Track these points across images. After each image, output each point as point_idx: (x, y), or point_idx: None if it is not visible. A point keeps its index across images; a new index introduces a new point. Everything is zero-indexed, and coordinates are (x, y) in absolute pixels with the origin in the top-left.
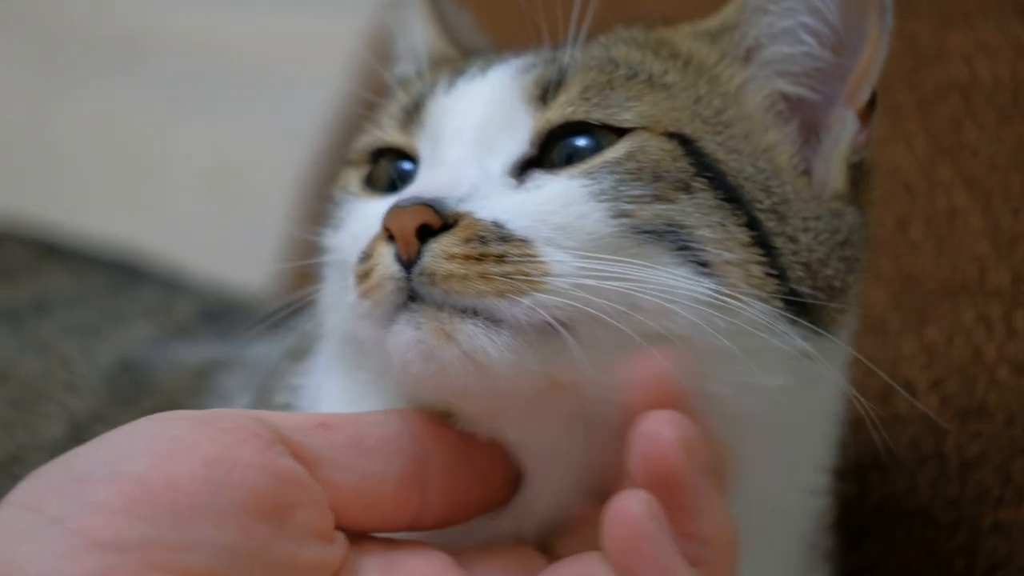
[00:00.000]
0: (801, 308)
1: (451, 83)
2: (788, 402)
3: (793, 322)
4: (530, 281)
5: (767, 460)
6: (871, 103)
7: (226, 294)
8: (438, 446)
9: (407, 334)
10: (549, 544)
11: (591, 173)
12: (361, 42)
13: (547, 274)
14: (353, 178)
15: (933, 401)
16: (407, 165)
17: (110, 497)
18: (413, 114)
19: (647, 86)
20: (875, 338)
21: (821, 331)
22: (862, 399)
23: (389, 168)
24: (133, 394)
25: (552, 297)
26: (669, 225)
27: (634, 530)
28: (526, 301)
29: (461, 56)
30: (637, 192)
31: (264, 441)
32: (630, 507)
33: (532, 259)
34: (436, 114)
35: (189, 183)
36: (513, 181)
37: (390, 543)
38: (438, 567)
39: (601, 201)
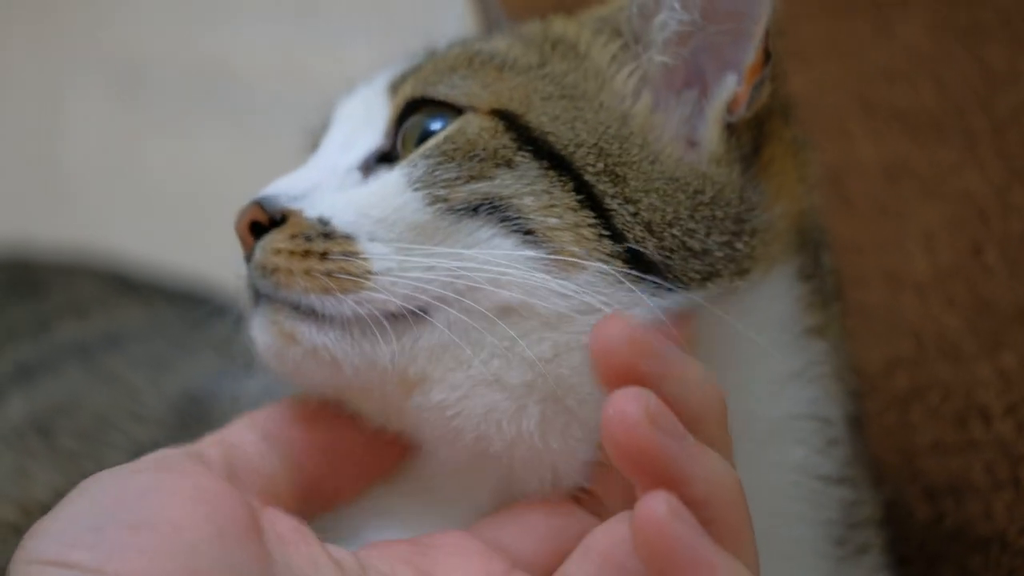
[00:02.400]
0: (650, 266)
1: (353, 86)
2: None
3: (640, 280)
4: (353, 279)
5: None
6: (763, 63)
7: None
8: (304, 434)
9: (260, 339)
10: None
11: (412, 161)
12: None
13: (369, 272)
14: None
15: (1008, 426)
16: None
17: (131, 540)
18: (326, 124)
19: (493, 68)
20: (950, 363)
21: (673, 287)
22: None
23: None
24: (195, 425)
25: (376, 294)
26: (485, 199)
27: (661, 534)
28: (350, 299)
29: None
30: (452, 175)
31: (212, 474)
32: (654, 511)
33: (354, 256)
34: (333, 117)
35: None
36: (358, 175)
37: (418, 540)
38: (472, 552)
39: (417, 189)
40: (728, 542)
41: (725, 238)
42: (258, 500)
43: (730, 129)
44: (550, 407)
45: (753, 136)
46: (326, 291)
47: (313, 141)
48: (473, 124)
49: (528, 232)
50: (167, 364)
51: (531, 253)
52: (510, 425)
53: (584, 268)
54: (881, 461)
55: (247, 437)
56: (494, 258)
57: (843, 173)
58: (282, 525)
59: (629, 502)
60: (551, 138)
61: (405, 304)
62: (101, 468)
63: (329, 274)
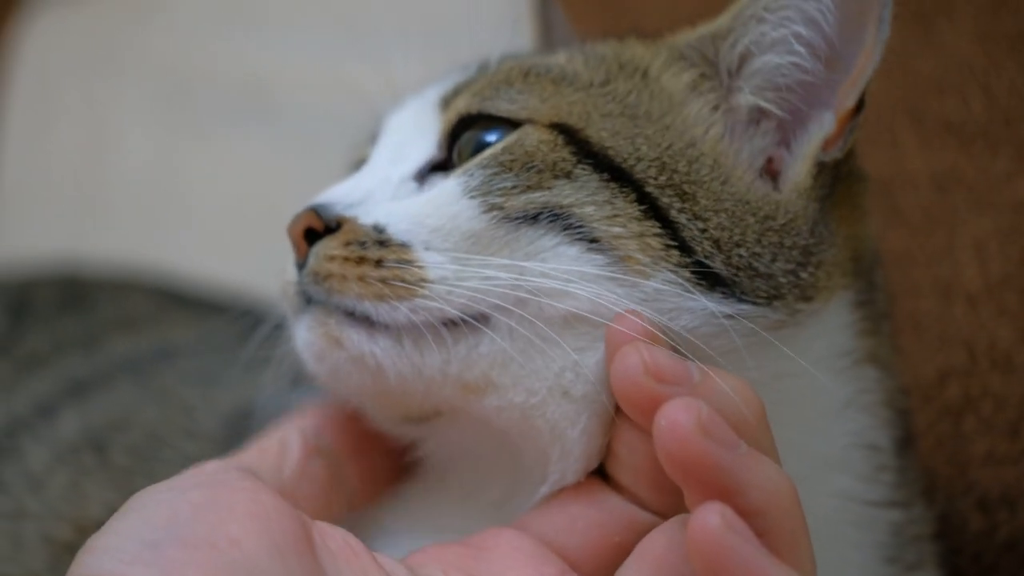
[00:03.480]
0: (717, 280)
1: (403, 99)
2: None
3: (709, 291)
4: (407, 287)
5: None
6: (856, 108)
7: None
8: (341, 440)
9: (303, 335)
10: (605, 469)
11: (468, 170)
12: None
13: (424, 280)
14: None
15: None
16: None
17: (189, 557)
18: (375, 133)
19: (550, 82)
20: (1002, 374)
21: (743, 299)
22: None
23: None
24: (245, 440)
25: (431, 303)
26: (545, 207)
27: (715, 547)
28: (404, 306)
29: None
30: (508, 184)
31: (265, 487)
32: (708, 523)
33: (409, 264)
34: (383, 126)
35: None
36: (414, 185)
37: (468, 541)
38: (524, 553)
39: (472, 197)
40: (784, 551)
41: (790, 266)
42: (306, 505)
43: (819, 166)
44: (596, 412)
45: (832, 175)
46: (380, 298)
47: (359, 155)
48: (532, 136)
49: (593, 240)
50: (218, 379)
51: (597, 259)
52: (564, 429)
53: (650, 277)
54: (934, 473)
55: (292, 443)
56: (555, 269)
57: (893, 184)
58: (333, 538)
59: (655, 483)
60: (611, 152)
61: (461, 312)
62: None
63: (384, 281)
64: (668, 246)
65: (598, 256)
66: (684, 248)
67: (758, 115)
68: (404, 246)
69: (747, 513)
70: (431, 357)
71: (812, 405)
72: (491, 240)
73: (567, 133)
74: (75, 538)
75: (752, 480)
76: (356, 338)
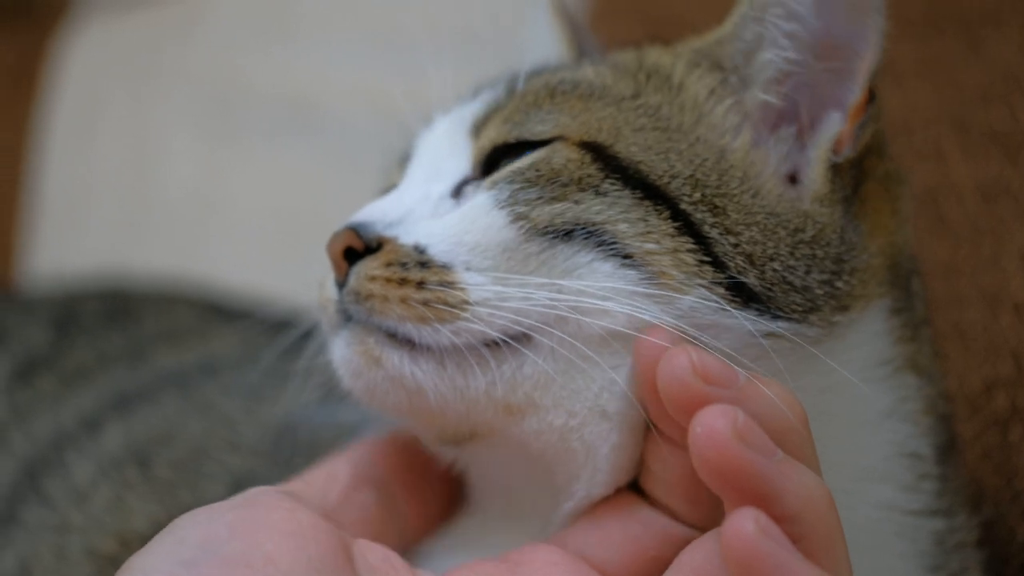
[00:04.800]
0: (751, 296)
1: (434, 118)
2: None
3: (743, 307)
4: (450, 310)
5: None
6: (865, 105)
7: None
8: (394, 471)
9: (341, 352)
10: (640, 484)
11: (496, 183)
12: None
13: (466, 302)
14: None
15: None
16: None
17: (224, 574)
18: (407, 154)
19: (579, 98)
20: None
21: (779, 316)
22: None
23: None
24: (289, 454)
25: (473, 325)
26: (577, 224)
27: (750, 552)
28: (447, 329)
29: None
30: (532, 195)
31: (303, 507)
32: (742, 528)
33: (451, 286)
34: (414, 148)
35: None
36: (452, 202)
37: (507, 557)
38: (563, 569)
39: (502, 208)
40: (820, 557)
41: (825, 277)
42: (353, 533)
43: (834, 169)
44: (629, 427)
45: (854, 175)
46: (423, 320)
47: (388, 181)
48: (560, 154)
49: (627, 256)
50: (262, 393)
51: (631, 274)
52: (597, 447)
53: (685, 292)
54: (981, 482)
55: (342, 472)
56: (591, 286)
57: (939, 194)
58: (373, 555)
59: (689, 496)
60: (643, 167)
61: (503, 334)
62: (197, 498)
63: (426, 303)
64: (702, 262)
65: (632, 272)
66: (717, 264)
67: (776, 118)
68: (446, 267)
69: (783, 519)
70: (474, 379)
71: (853, 416)
72: (526, 256)
73: (596, 151)
74: (119, 551)
75: (788, 487)
76: (396, 359)
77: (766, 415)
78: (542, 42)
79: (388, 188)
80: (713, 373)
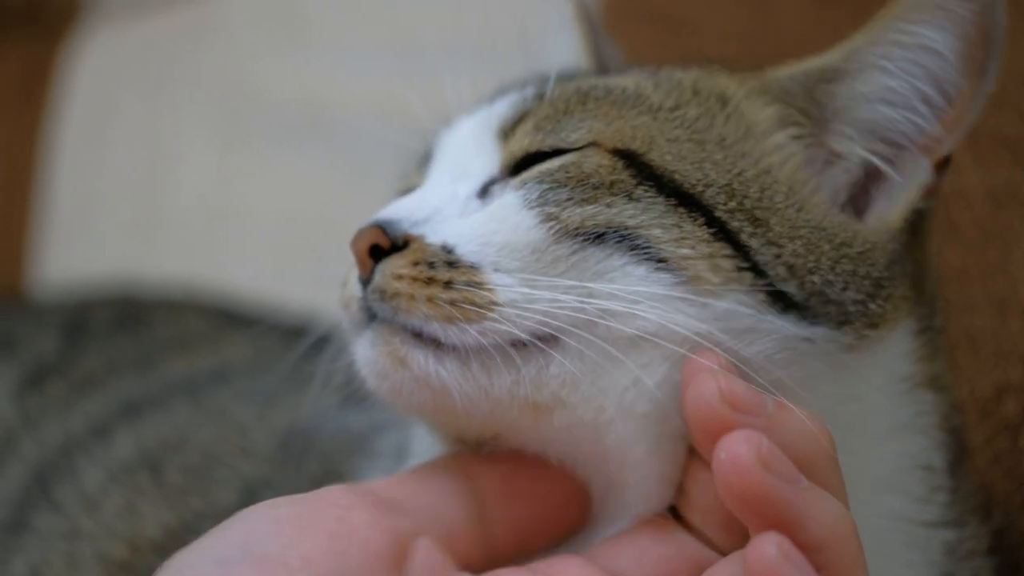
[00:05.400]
0: (790, 303)
1: (455, 119)
2: (805, 393)
3: (782, 314)
4: (477, 310)
5: None
6: (948, 157)
7: None
8: (489, 481)
9: (365, 352)
10: (677, 508)
11: (525, 183)
12: None
13: (494, 303)
14: None
15: None
16: None
17: None
18: (428, 155)
19: (612, 105)
20: None
21: (815, 323)
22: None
23: None
24: (300, 459)
25: (500, 325)
26: (610, 227)
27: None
28: (473, 329)
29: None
30: (562, 196)
31: (367, 505)
32: (764, 553)
33: (479, 287)
34: (437, 147)
35: None
36: (478, 202)
37: (536, 568)
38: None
39: (531, 208)
40: None
41: (860, 296)
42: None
43: (915, 212)
44: (664, 435)
45: (916, 215)
46: (449, 320)
47: (407, 183)
48: (592, 159)
49: (660, 260)
50: (274, 399)
51: (665, 278)
52: (630, 447)
53: (720, 297)
54: (992, 488)
55: (432, 480)
56: (622, 289)
57: (949, 199)
58: (430, 558)
59: (724, 523)
60: (677, 176)
61: (530, 335)
62: (209, 504)
63: (453, 303)
64: (740, 268)
65: (666, 275)
66: (756, 271)
67: (846, 157)
68: (473, 267)
69: (806, 548)
70: (499, 379)
71: (871, 428)
72: (556, 258)
73: (629, 158)
74: (130, 557)
75: (812, 514)
76: (422, 359)
77: (792, 442)
78: (561, 47)
79: (407, 189)
80: (740, 400)
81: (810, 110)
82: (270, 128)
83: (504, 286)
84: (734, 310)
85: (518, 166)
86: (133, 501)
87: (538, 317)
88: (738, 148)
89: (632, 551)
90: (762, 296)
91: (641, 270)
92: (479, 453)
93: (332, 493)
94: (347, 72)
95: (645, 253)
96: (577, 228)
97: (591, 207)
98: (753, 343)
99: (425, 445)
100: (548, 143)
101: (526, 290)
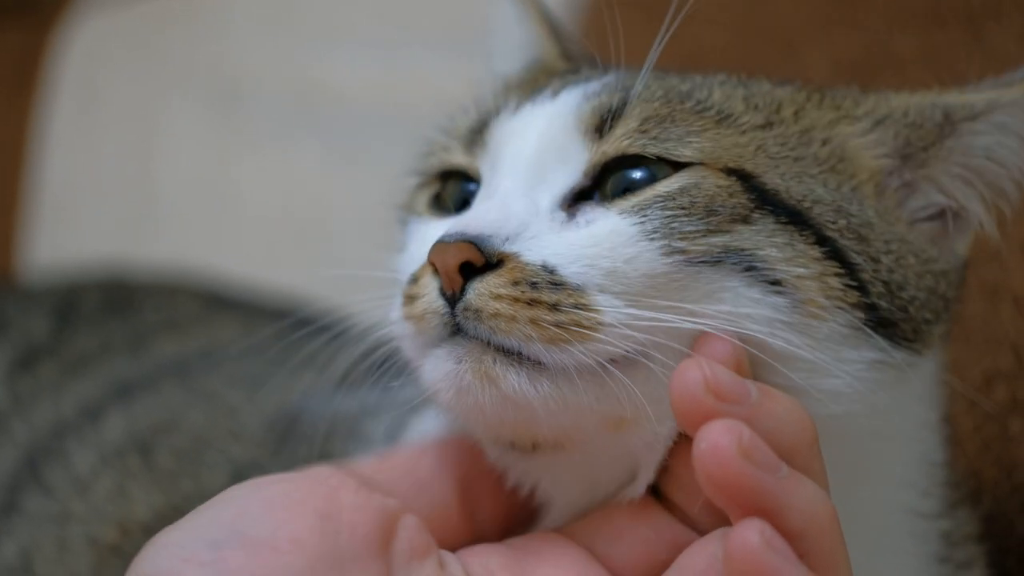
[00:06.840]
0: (879, 322)
1: (519, 106)
2: (865, 409)
3: (872, 333)
4: (583, 332)
5: (851, 464)
6: None
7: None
8: (475, 461)
9: (447, 365)
10: (659, 488)
11: (642, 209)
12: None
13: (600, 324)
14: (421, 199)
15: None
16: (472, 186)
17: (246, 561)
18: (478, 135)
19: (713, 121)
20: None
21: (898, 344)
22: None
23: (456, 189)
24: (289, 442)
25: (604, 346)
26: (727, 251)
27: (754, 564)
28: (575, 350)
29: (562, 60)
30: (690, 228)
31: (354, 484)
32: (747, 540)
33: (585, 308)
34: (498, 137)
35: (371, 235)
36: (563, 215)
37: (514, 544)
38: (569, 560)
39: (652, 240)
40: (824, 573)
41: (930, 316)
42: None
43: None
44: None
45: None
46: (552, 341)
47: (445, 159)
48: (708, 181)
49: (775, 282)
50: (263, 382)
51: (778, 301)
52: (660, 453)
53: (824, 320)
54: (981, 475)
55: (419, 460)
56: (730, 313)
57: None
58: (417, 537)
59: (708, 503)
60: (786, 196)
61: (631, 349)
62: (199, 487)
63: (559, 325)
64: (848, 286)
65: (779, 299)
66: (862, 289)
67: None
68: (579, 289)
69: (787, 535)
70: (588, 395)
71: (904, 432)
72: (669, 282)
73: (743, 178)
74: (120, 540)
75: (792, 503)
76: (515, 378)
77: (775, 429)
78: (510, 36)
79: (448, 167)
80: (725, 388)
81: (915, 140)
82: (261, 113)
83: (611, 308)
84: (831, 335)
85: (604, 169)
86: (124, 484)
87: (641, 336)
88: (830, 164)
89: (612, 529)
90: (862, 315)
91: (755, 292)
92: (462, 442)
93: (320, 472)
94: (339, 57)
95: (761, 275)
96: (700, 256)
97: (716, 237)
98: (844, 362)
99: (421, 433)
100: (652, 150)
101: (633, 311)
